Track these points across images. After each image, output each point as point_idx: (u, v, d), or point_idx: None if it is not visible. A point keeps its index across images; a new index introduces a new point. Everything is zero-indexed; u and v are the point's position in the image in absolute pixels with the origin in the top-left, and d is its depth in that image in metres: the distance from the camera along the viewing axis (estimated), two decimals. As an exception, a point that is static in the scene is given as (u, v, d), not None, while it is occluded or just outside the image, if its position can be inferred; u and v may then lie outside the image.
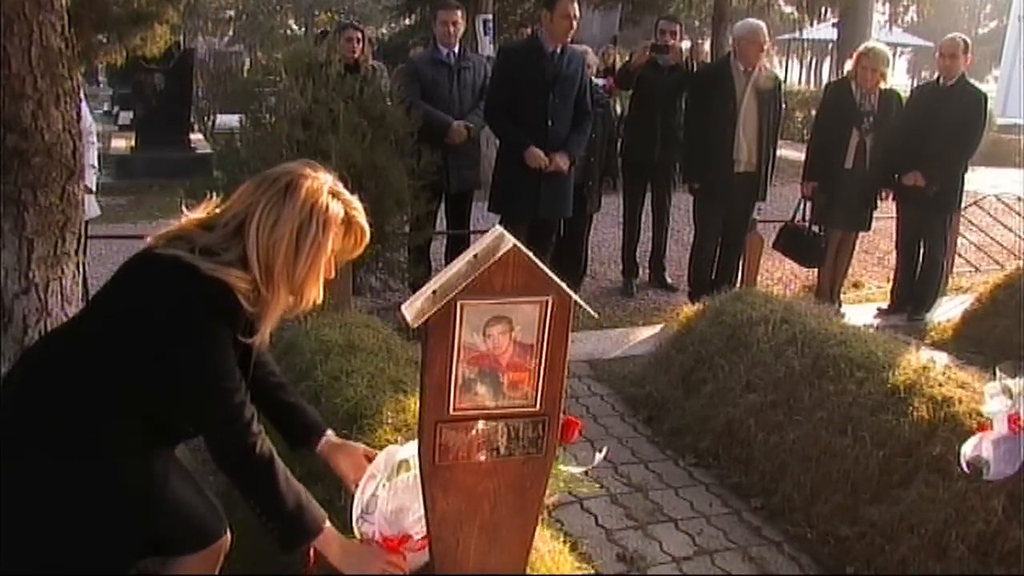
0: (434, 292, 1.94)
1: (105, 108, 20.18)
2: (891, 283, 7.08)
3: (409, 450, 2.34)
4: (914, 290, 6.72)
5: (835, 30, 21.38)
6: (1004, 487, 3.05)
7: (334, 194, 2.15)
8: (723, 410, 4.32)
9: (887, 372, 3.82)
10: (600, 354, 5.76)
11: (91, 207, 4.70)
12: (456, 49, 6.53)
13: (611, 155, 7.22)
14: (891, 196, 6.68)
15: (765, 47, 6.35)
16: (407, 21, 21.54)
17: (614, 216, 8.70)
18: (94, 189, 5.29)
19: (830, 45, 29.85)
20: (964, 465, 3.09)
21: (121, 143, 14.18)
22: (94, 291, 2.29)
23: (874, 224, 6.85)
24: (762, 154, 6.35)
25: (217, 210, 2.18)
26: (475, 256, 1.94)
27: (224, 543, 2.39)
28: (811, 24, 23.99)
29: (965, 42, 6.44)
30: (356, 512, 2.30)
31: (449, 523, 2.16)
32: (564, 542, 2.72)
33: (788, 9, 23.00)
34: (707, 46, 16.82)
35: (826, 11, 21.40)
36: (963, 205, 7.22)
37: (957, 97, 6.32)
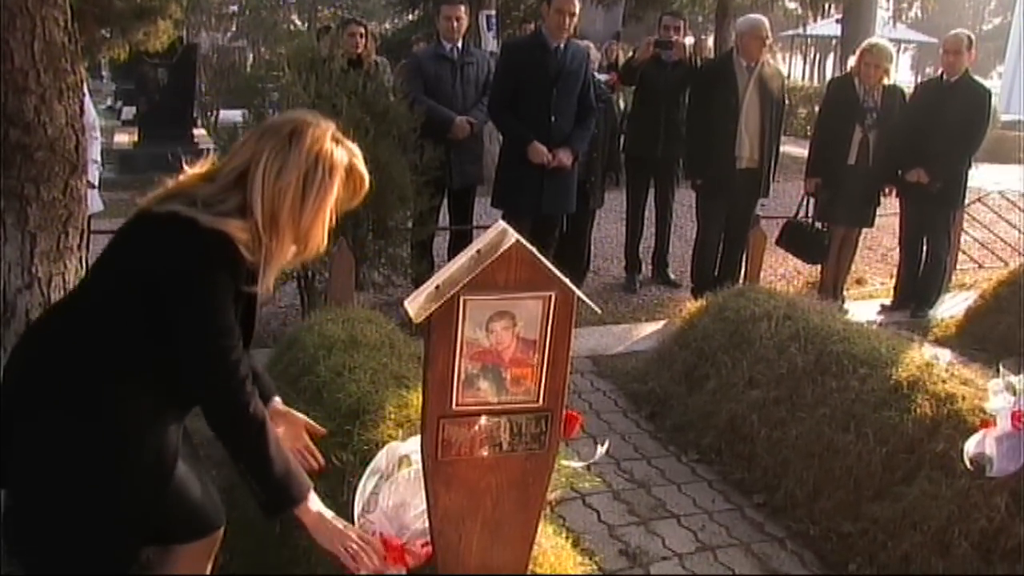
0: (437, 287, 1.94)
1: (108, 103, 20.22)
2: (894, 279, 7.07)
3: (411, 446, 2.34)
4: (917, 287, 6.71)
5: (839, 26, 21.39)
6: (1007, 484, 3.05)
7: (337, 140, 2.16)
8: (726, 406, 4.32)
9: (890, 369, 3.81)
10: (603, 350, 5.76)
11: (94, 202, 4.69)
12: (459, 45, 6.52)
13: (614, 151, 7.22)
14: (894, 192, 6.68)
15: (767, 42, 6.34)
16: (410, 16, 21.56)
17: (617, 212, 8.70)
18: (97, 184, 5.29)
19: (834, 41, 29.84)
20: (967, 462, 3.09)
21: (124, 138, 14.19)
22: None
23: (877, 220, 6.84)
24: (764, 150, 6.35)
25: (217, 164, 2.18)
26: (478, 251, 1.93)
27: (219, 535, 2.39)
28: (815, 20, 23.99)
29: (969, 38, 6.42)
30: (357, 509, 2.29)
31: (451, 519, 2.16)
32: (566, 538, 2.72)
33: (792, 5, 22.96)
34: (711, 42, 16.82)
35: (830, 7, 21.37)
36: (966, 202, 7.20)
37: (961, 94, 6.31)
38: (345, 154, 2.16)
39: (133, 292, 2.04)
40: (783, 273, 7.98)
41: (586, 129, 6.10)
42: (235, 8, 37.43)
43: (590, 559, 2.97)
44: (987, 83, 7.02)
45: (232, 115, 6.28)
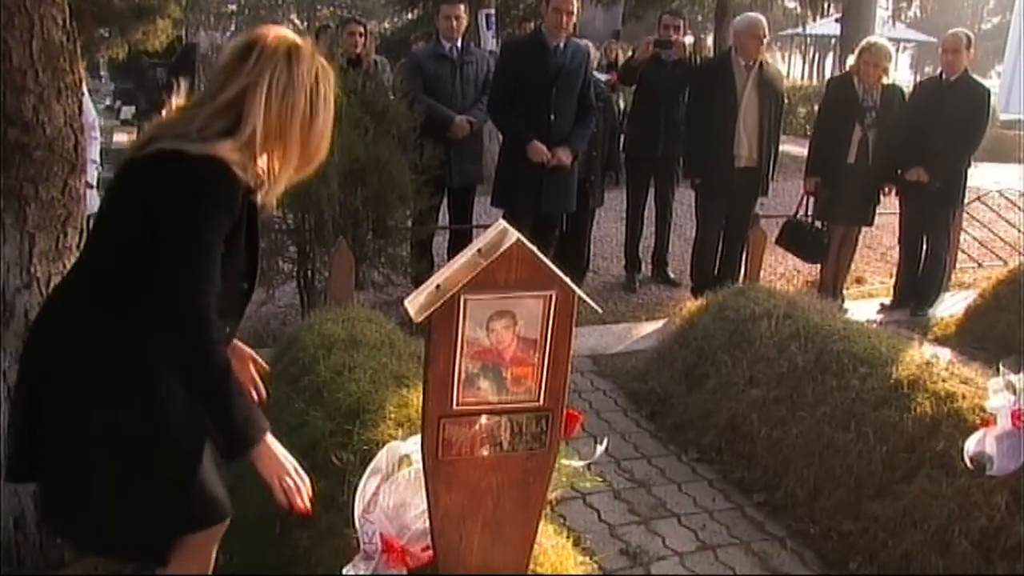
0: (438, 287, 1.94)
1: (107, 103, 20.19)
2: (894, 278, 7.06)
3: (411, 445, 2.33)
4: (917, 285, 6.71)
5: (838, 25, 21.35)
6: (1007, 483, 3.05)
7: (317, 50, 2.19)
8: (726, 405, 4.32)
9: (890, 367, 3.82)
10: (603, 349, 5.76)
11: (93, 202, 4.68)
12: (459, 44, 6.52)
13: (613, 150, 7.21)
14: (894, 191, 6.68)
15: (764, 41, 6.34)
16: (409, 16, 21.56)
17: (617, 211, 8.69)
18: (96, 184, 5.28)
19: (833, 40, 29.84)
20: (967, 461, 3.09)
21: (123, 138, 14.15)
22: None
23: (877, 219, 6.84)
24: (763, 149, 6.35)
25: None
26: (479, 250, 1.93)
27: (224, 528, 2.38)
28: (814, 19, 23.97)
29: (968, 37, 6.42)
30: (358, 510, 2.29)
31: (452, 519, 2.16)
32: (567, 537, 2.72)
33: (791, 4, 22.97)
34: (710, 41, 16.81)
35: (829, 6, 21.37)
36: (966, 201, 7.20)
37: (960, 93, 6.31)
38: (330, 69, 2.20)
39: (136, 240, 2.01)
40: (783, 272, 7.98)
41: (586, 128, 6.10)
42: (234, 7, 37.48)
43: (591, 558, 2.97)
44: (986, 82, 7.02)
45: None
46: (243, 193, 2.06)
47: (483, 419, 2.06)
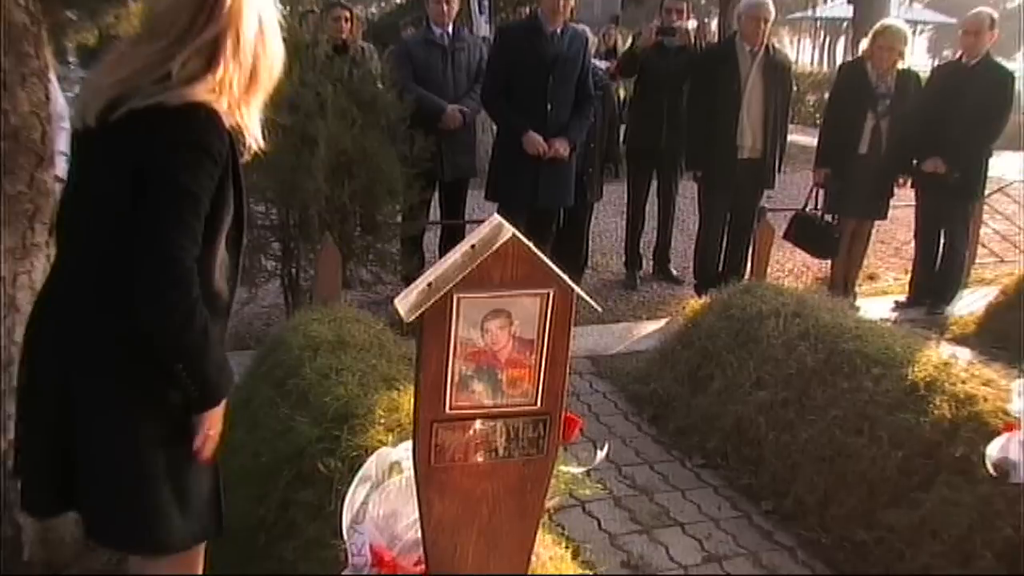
0: (429, 285, 1.94)
1: (76, 91, 20.15)
2: (909, 275, 7.09)
3: (402, 452, 2.33)
4: (934, 282, 6.72)
5: (850, 7, 21.33)
6: (1032, 490, 3.05)
7: None
8: (732, 408, 4.33)
9: (906, 368, 3.81)
10: (602, 350, 5.77)
11: (63, 196, 4.69)
12: (450, 29, 6.53)
13: (612, 141, 7.21)
14: (909, 183, 6.68)
15: (768, 24, 6.33)
16: (398, 0, 21.53)
17: (616, 205, 8.71)
18: (65, 177, 5.28)
19: (845, 23, 29.85)
20: (989, 467, 3.09)
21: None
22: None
23: (891, 212, 6.86)
24: (768, 140, 6.35)
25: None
26: (472, 246, 1.93)
27: (203, 548, 2.38)
28: (825, 1, 24.00)
29: (991, 18, 6.40)
30: (346, 519, 2.29)
31: (445, 528, 2.16)
32: (566, 547, 2.72)
33: (801, -14, 23.00)
34: (714, 25, 16.82)
35: (840, -13, 21.38)
36: (987, 192, 7.21)
37: (981, 77, 6.29)
38: None
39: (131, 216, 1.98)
40: (791, 268, 8.00)
41: (584, 118, 6.10)
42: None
43: (591, 570, 2.98)
44: (1009, 65, 7.00)
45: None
46: (229, 138, 2.07)
47: (477, 424, 2.06)
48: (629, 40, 8.68)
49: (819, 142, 6.78)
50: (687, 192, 7.70)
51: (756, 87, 6.29)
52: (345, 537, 2.27)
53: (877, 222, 6.93)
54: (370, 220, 5.86)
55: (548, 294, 1.99)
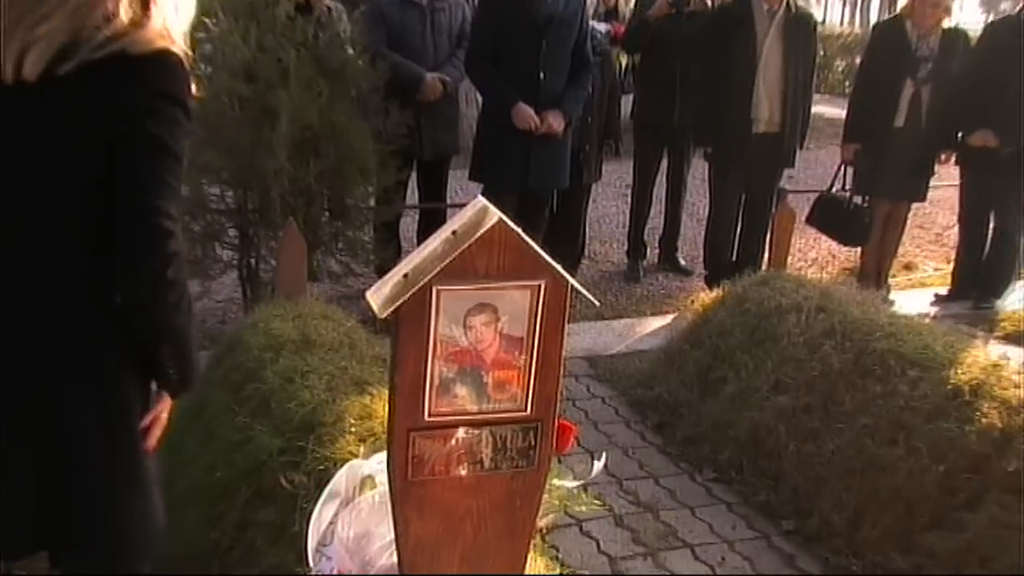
0: (405, 276, 1.95)
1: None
2: (952, 264, 7.09)
3: (375, 464, 2.35)
4: (981, 273, 6.72)
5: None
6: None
7: None
8: (747, 415, 4.35)
9: (947, 370, 3.80)
10: (601, 349, 5.79)
11: None
12: (429, -13, 6.52)
13: (612, 115, 7.19)
14: (953, 159, 6.65)
15: None
16: (370, -47, 21.43)
17: (616, 187, 8.73)
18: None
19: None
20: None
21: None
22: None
23: (931, 194, 6.86)
24: (788, 112, 6.31)
25: None
26: (454, 233, 1.94)
27: None
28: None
29: (1060, -34, 6.33)
30: (312, 542, 2.30)
31: (424, 550, 2.18)
32: (561, 572, 2.74)
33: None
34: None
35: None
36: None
37: (1043, 35, 6.19)
38: None
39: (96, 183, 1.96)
40: (815, 257, 8.03)
41: (581, 88, 6.10)
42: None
43: (589, 597, 3.00)
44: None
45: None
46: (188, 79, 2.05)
47: (460, 432, 2.08)
48: (633, 2, 8.62)
49: (849, 113, 6.78)
50: (697, 172, 7.69)
51: (774, 51, 6.23)
52: (311, 562, 2.28)
53: (915, 205, 6.94)
54: (339, 204, 5.86)
55: (539, 286, 2.00)
